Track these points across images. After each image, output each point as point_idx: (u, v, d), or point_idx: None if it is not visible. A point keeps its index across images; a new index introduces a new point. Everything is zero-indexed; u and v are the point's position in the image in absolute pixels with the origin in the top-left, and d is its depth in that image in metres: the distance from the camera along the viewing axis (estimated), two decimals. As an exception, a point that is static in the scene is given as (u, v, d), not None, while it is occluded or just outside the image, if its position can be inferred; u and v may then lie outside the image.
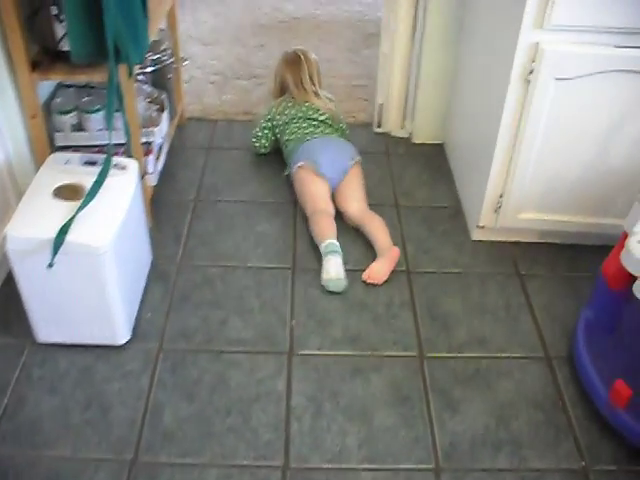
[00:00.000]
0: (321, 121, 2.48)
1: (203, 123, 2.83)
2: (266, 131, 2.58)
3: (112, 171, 1.79)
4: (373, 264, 2.11)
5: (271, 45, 3.48)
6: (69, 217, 1.63)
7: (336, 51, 3.45)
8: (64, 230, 1.61)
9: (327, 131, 2.46)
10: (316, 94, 2.56)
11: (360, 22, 3.80)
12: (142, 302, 1.97)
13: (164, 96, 2.39)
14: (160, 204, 2.34)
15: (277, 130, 2.55)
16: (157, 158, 2.32)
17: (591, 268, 2.16)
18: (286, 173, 2.47)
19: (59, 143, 2.18)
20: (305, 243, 2.23)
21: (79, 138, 2.18)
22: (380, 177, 2.57)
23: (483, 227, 2.23)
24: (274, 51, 3.39)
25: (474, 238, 2.29)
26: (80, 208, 1.66)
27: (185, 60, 2.62)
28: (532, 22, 1.81)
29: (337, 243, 2.11)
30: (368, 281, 2.08)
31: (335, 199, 2.33)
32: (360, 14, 3.89)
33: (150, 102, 2.34)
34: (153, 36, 2.19)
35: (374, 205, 2.36)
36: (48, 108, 2.15)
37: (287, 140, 2.48)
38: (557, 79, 1.87)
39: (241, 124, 2.84)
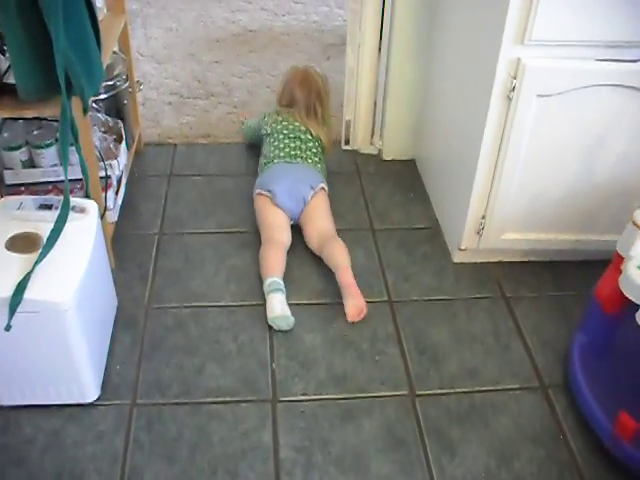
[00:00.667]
0: (303, 141, 2.35)
1: (162, 148, 2.68)
2: (254, 133, 2.55)
3: (70, 215, 1.65)
4: (348, 305, 1.95)
5: (227, 60, 3.34)
6: (26, 272, 1.48)
7: (295, 64, 3.31)
8: (21, 287, 1.46)
9: (304, 155, 2.32)
10: (320, 122, 2.47)
11: (318, 32, 3.68)
12: (110, 353, 1.83)
13: (121, 125, 2.24)
14: (122, 241, 2.19)
15: (263, 137, 2.45)
16: (117, 192, 2.17)
17: (577, 285, 2.11)
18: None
19: (9, 181, 2.03)
20: (280, 275, 2.11)
21: (31, 175, 2.04)
22: (352, 199, 2.46)
23: (465, 249, 2.14)
24: (231, 67, 3.27)
25: (456, 260, 2.19)
26: (37, 261, 1.51)
27: (140, 84, 2.46)
28: (512, 37, 1.72)
29: (281, 281, 1.99)
30: (356, 320, 1.95)
31: (301, 228, 2.22)
32: (317, 24, 3.77)
33: (106, 132, 2.19)
34: (106, 62, 2.05)
35: (349, 230, 2.26)
36: (-5, 144, 1.99)
37: (264, 155, 2.37)
38: (539, 95, 1.79)
39: (202, 148, 2.70)
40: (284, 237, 2.15)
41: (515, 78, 1.77)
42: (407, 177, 2.59)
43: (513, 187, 1.96)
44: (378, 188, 2.51)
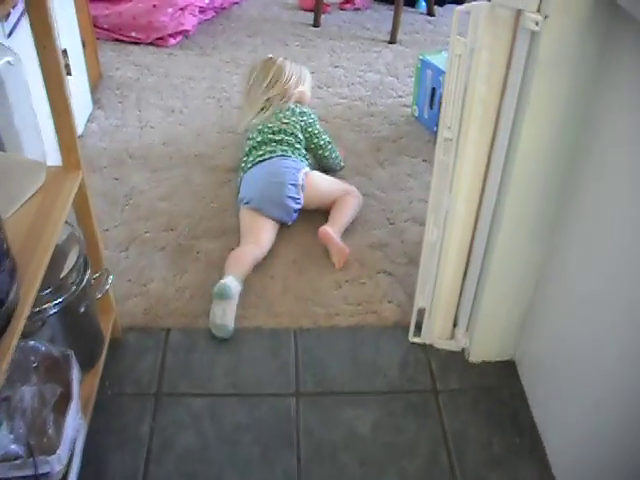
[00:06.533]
0: (271, 138, 2.24)
1: (149, 337, 1.81)
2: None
3: None
4: (334, 259, 2.06)
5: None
6: None
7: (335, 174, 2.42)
8: None
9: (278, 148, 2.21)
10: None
11: (366, 117, 2.82)
12: None
13: (72, 357, 1.40)
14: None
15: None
16: (66, 473, 1.36)
17: None
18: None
19: None
20: None
21: None
22: (428, 447, 1.59)
23: None
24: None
25: None
26: None
27: (108, 275, 1.63)
28: None
29: (230, 284, 1.85)
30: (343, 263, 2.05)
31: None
32: (364, 103, 2.91)
33: (48, 373, 1.37)
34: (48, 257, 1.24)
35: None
36: None
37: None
38: None
39: (206, 335, 1.83)
40: (263, 242, 2.06)
41: None
42: (506, 397, 1.73)
43: None
44: (466, 424, 1.67)
